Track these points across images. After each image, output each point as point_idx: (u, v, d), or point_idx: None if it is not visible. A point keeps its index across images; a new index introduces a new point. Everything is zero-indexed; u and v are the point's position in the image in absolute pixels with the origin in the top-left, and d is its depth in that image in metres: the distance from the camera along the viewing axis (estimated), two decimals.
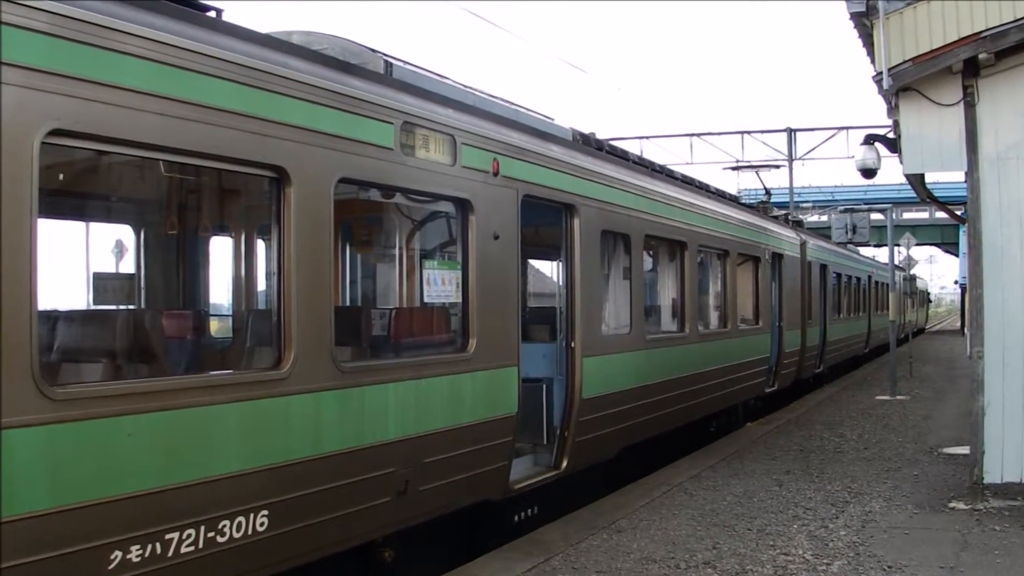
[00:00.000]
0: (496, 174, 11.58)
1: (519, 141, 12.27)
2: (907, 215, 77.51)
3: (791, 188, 50.36)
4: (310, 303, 8.77)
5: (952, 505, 13.52)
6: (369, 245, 13.05)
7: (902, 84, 13.38)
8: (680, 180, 19.93)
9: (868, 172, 16.76)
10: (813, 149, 52.50)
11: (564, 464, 13.43)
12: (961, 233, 74.03)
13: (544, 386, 13.66)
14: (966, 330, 75.08)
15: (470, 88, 12.53)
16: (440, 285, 10.95)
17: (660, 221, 16.83)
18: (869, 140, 16.35)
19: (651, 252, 17.95)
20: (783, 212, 33.44)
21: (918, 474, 16.04)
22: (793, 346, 27.58)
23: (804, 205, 53.35)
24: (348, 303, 12.97)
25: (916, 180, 16.41)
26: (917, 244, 39.31)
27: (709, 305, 21.17)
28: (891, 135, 16.00)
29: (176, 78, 7.51)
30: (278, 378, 8.45)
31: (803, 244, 29.63)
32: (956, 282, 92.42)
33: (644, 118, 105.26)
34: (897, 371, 30.28)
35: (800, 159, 52.20)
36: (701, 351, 18.94)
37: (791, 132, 52.25)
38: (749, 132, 53.66)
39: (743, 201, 28.45)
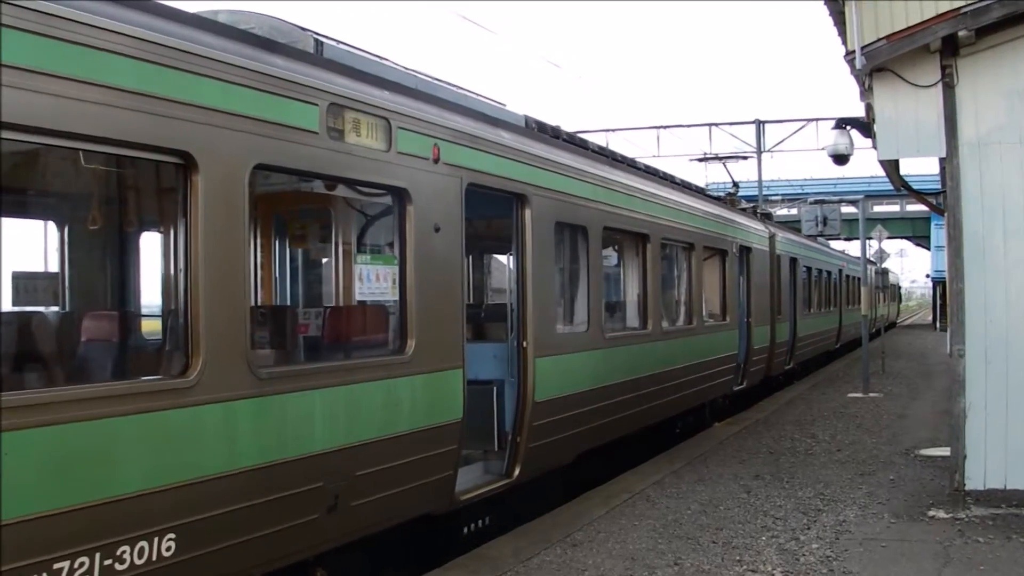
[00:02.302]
0: (437, 161, 10.70)
1: (463, 126, 11.39)
2: (878, 208, 76.85)
3: (759, 180, 49.47)
4: (221, 303, 7.90)
5: (932, 513, 12.64)
6: (292, 238, 12.10)
7: (876, 64, 12.52)
8: (643, 170, 19.07)
9: (840, 158, 15.81)
10: (782, 141, 51.67)
11: (516, 472, 12.57)
12: (932, 226, 73.91)
13: (495, 389, 12.82)
14: (939, 324, 74.69)
15: (412, 71, 11.68)
16: (374, 281, 10.02)
17: (620, 212, 15.94)
18: (841, 124, 15.41)
19: (610, 245, 16.98)
20: (751, 205, 32.64)
21: (894, 478, 15.18)
22: (762, 342, 26.78)
23: (773, 198, 52.67)
24: (267, 302, 11.99)
25: (890, 167, 15.57)
26: (888, 237, 38.45)
27: (673, 301, 20.27)
28: (864, 119, 15.18)
29: (67, 54, 6.67)
30: (184, 387, 7.59)
31: (772, 237, 28.85)
32: (928, 276, 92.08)
33: (611, 112, 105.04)
34: (869, 367, 29.50)
35: (769, 151, 51.35)
36: (665, 349, 18.05)
37: (759, 124, 51.39)
38: (717, 124, 52.80)
39: (710, 193, 27.58)
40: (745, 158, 39.92)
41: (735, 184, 32.29)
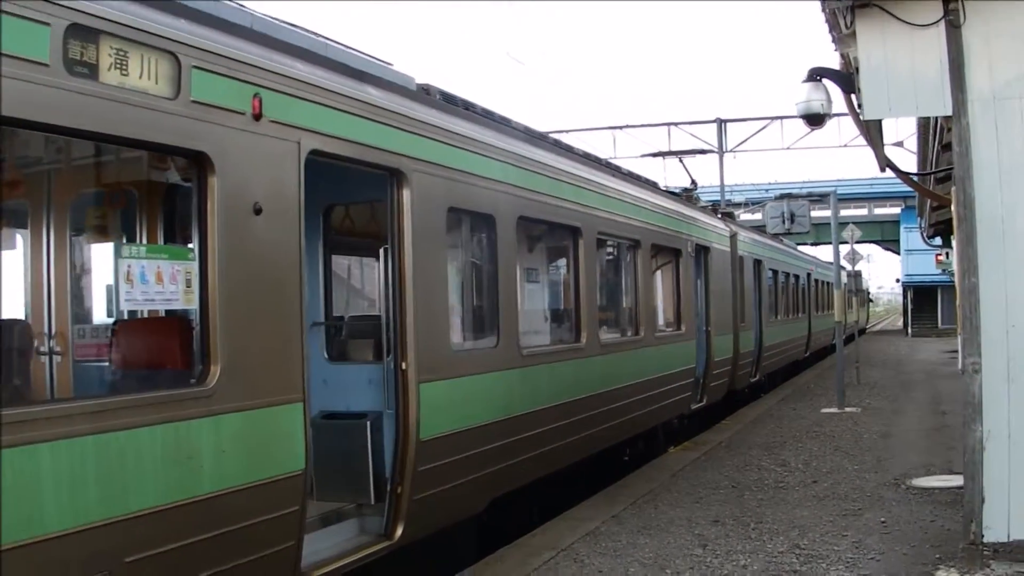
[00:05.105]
0: (259, 117, 7.77)
1: (303, 74, 8.46)
2: (844, 212, 74.29)
3: (721, 180, 46.81)
4: None
5: (941, 575, 9.64)
6: (11, 224, 9.00)
7: None
8: (579, 156, 16.17)
9: (814, 119, 12.67)
10: (745, 140, 49.12)
11: (399, 531, 9.66)
12: (902, 230, 71.53)
13: (369, 424, 9.90)
14: (910, 330, 72.14)
15: (249, 10, 8.76)
16: (153, 283, 7.02)
17: (541, 200, 12.95)
18: (815, 75, 12.29)
19: (529, 240, 13.99)
20: (711, 204, 29.87)
21: (886, 520, 12.11)
22: (724, 354, 23.85)
23: (736, 200, 50.09)
24: None
25: (874, 132, 12.66)
26: (859, 241, 35.55)
27: (615, 308, 17.34)
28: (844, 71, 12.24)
29: None
30: None
31: (733, 236, 26.00)
32: (898, 280, 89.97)
33: (564, 112, 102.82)
34: (844, 377, 26.61)
35: (731, 151, 48.72)
36: (604, 365, 15.03)
37: (721, 123, 48.78)
38: (676, 124, 50.05)
39: (664, 189, 24.65)
40: (704, 152, 36.98)
41: (693, 181, 29.50)
